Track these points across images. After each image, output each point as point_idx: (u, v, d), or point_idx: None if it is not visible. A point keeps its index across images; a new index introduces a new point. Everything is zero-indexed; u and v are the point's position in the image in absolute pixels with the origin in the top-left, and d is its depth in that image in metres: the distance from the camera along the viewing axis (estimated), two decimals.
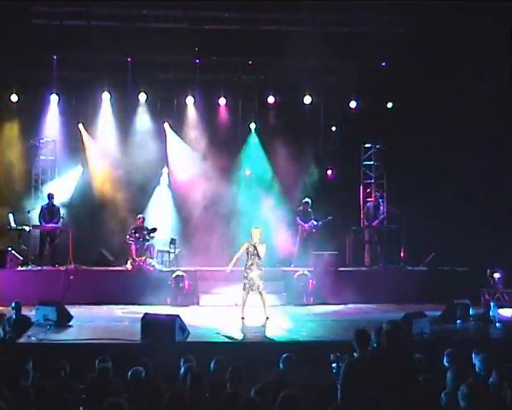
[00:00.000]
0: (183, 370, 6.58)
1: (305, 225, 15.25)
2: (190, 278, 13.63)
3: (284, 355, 7.09)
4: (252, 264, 11.44)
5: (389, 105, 16.24)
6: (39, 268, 14.06)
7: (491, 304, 11.66)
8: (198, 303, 13.53)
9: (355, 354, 6.21)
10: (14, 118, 15.73)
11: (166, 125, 16.46)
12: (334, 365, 7.06)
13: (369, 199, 16.39)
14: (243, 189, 16.18)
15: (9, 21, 13.80)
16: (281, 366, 7.01)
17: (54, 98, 15.62)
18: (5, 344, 9.39)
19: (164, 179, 16.46)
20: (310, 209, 15.38)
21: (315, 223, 15.21)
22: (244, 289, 11.51)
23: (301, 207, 15.38)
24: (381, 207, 15.64)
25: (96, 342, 9.44)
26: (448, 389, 5.94)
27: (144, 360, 6.93)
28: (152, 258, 14.61)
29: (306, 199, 15.44)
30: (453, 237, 14.53)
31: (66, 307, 11.22)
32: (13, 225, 14.47)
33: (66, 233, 14.63)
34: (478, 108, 14.53)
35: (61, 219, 14.64)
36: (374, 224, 15.54)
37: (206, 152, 16.21)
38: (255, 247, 11.41)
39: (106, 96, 15.91)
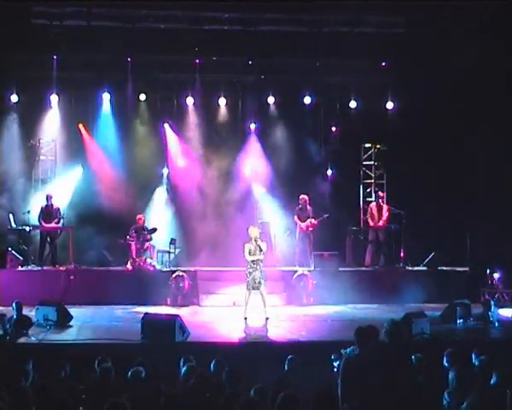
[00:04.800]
0: (183, 370, 6.58)
1: (303, 225, 15.17)
2: (190, 278, 13.63)
3: (289, 357, 7.06)
4: (254, 263, 11.44)
5: (389, 105, 16.23)
6: (39, 268, 14.06)
7: (491, 304, 11.66)
8: (198, 303, 13.53)
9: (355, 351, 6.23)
10: (14, 118, 15.71)
11: (166, 126, 16.46)
12: (335, 363, 7.06)
13: (370, 199, 16.40)
14: (243, 189, 16.18)
15: (9, 21, 13.79)
16: (285, 367, 6.97)
17: (54, 98, 15.60)
18: (5, 344, 9.39)
19: (164, 179, 16.46)
20: (308, 207, 15.30)
21: (312, 221, 15.14)
22: (247, 289, 11.52)
23: (299, 206, 15.31)
24: (384, 207, 15.55)
25: (96, 342, 9.45)
26: (450, 389, 5.94)
27: (144, 360, 6.93)
28: (152, 258, 14.62)
29: (304, 196, 15.34)
30: (453, 237, 14.53)
31: (66, 307, 11.23)
32: (13, 225, 14.47)
33: (66, 233, 14.63)
34: (478, 107, 14.54)
35: (61, 220, 14.63)
36: (380, 223, 15.41)
37: (206, 152, 16.21)
38: (256, 245, 11.40)
39: (106, 96, 15.90)
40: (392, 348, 5.83)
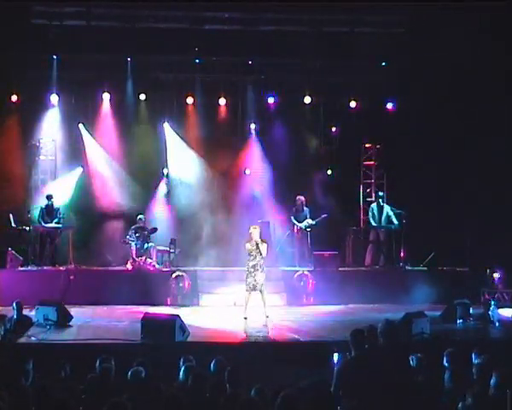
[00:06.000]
0: (183, 370, 6.58)
1: (300, 225, 15.14)
2: (190, 278, 13.63)
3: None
4: (254, 264, 11.43)
5: (389, 105, 16.23)
6: (39, 268, 14.05)
7: (491, 304, 11.66)
8: (198, 303, 13.52)
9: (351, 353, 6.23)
10: (14, 118, 15.70)
11: (166, 125, 16.46)
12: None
13: (370, 199, 16.39)
14: (243, 188, 16.18)
15: (9, 21, 13.79)
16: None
17: (54, 98, 15.60)
18: (5, 344, 9.39)
19: (164, 179, 16.45)
20: (305, 207, 15.26)
21: (310, 221, 15.09)
22: (247, 290, 11.50)
23: (296, 207, 15.28)
24: (385, 207, 15.51)
25: (96, 342, 9.44)
26: (446, 390, 5.94)
27: (144, 360, 6.92)
28: (152, 258, 14.61)
29: (300, 197, 15.30)
30: (453, 237, 14.53)
31: (66, 307, 11.23)
32: (13, 225, 14.46)
33: (66, 233, 14.62)
34: (478, 107, 14.53)
35: (61, 220, 14.63)
36: (395, 223, 15.26)
37: (207, 152, 16.21)
38: (257, 246, 11.39)
39: (106, 96, 15.91)
40: (388, 348, 5.83)
